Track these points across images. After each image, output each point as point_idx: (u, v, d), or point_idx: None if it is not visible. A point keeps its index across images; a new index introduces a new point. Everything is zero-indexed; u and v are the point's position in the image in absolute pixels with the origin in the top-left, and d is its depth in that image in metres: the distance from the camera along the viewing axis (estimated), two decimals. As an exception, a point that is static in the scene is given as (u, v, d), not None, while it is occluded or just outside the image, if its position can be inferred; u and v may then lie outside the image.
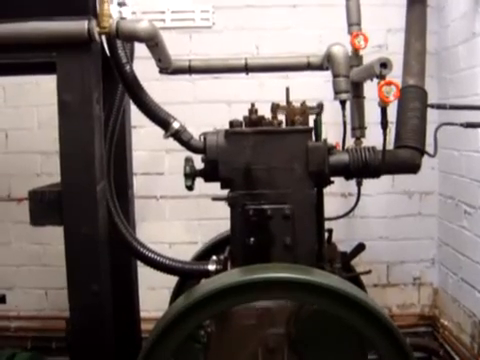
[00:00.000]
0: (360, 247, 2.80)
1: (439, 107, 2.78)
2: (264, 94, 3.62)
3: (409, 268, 4.05)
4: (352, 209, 2.99)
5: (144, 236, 3.70)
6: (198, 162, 2.49)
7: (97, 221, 2.25)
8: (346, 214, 3.04)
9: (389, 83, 2.18)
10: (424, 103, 2.61)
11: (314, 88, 3.50)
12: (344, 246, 2.97)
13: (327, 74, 2.83)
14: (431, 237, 4.01)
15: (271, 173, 2.38)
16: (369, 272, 2.82)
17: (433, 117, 2.94)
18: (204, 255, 3.08)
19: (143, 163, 3.83)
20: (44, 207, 2.26)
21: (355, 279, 2.95)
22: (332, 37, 2.88)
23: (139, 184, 3.72)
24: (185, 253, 3.30)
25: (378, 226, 3.97)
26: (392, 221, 3.99)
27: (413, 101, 2.57)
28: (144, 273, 2.96)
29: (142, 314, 3.19)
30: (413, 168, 2.51)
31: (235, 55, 3.15)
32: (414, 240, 4.01)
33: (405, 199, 3.98)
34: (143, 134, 3.60)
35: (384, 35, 3.85)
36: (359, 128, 2.88)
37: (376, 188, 3.79)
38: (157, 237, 3.83)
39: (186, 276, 2.74)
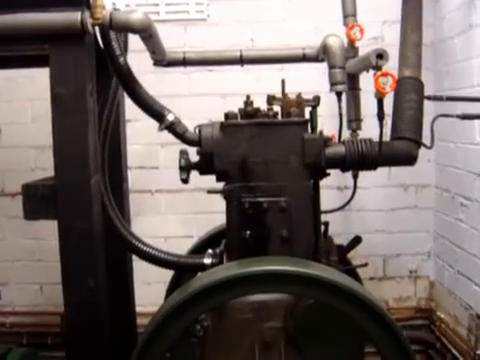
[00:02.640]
0: (356, 240, 2.78)
1: (435, 99, 2.77)
2: (260, 87, 3.59)
3: (405, 261, 4.05)
4: (348, 202, 2.98)
5: (139, 230, 3.68)
6: (193, 155, 2.47)
7: (91, 215, 2.22)
8: (342, 207, 3.03)
9: (385, 74, 2.16)
10: (420, 95, 2.59)
11: (310, 80, 3.48)
12: (340, 239, 2.96)
13: (323, 66, 2.82)
14: (427, 230, 4.00)
15: (267, 165, 2.36)
16: (365, 265, 2.81)
17: (429, 109, 2.92)
18: (200, 248, 3.07)
19: (138, 157, 3.81)
20: (38, 201, 2.23)
21: (352, 272, 2.94)
22: (328, 29, 2.87)
23: (134, 178, 3.70)
24: (181, 247, 3.27)
25: (374, 219, 3.96)
26: (388, 214, 3.98)
27: (409, 93, 2.55)
28: (139, 268, 2.95)
29: (138, 309, 3.17)
30: (410, 160, 2.49)
31: (230, 47, 3.13)
32: (410, 233, 4.00)
33: (401, 192, 3.97)
34: (138, 128, 3.57)
35: (380, 27, 3.83)
36: (355, 120, 2.87)
37: (372, 181, 3.77)
38: (152, 231, 3.81)
39: (181, 270, 2.73)
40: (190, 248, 3.19)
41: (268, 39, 3.76)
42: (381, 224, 3.98)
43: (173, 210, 3.96)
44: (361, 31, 2.78)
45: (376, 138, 2.42)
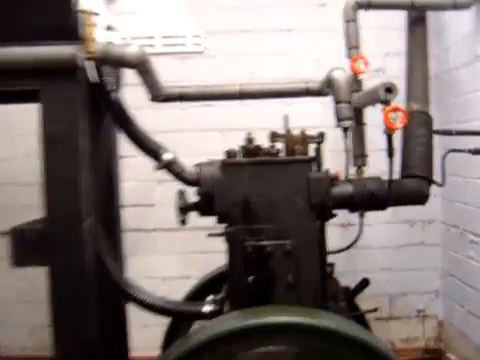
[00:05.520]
0: (364, 283, 2.66)
1: (445, 133, 2.65)
2: (260, 121, 3.49)
3: (412, 300, 3.89)
4: (355, 241, 2.82)
5: (136, 271, 3.55)
6: (192, 194, 2.34)
7: (84, 262, 2.09)
8: (349, 247, 2.87)
9: (395, 109, 2.05)
10: (430, 129, 2.48)
11: (311, 115, 3.38)
12: (345, 279, 2.83)
13: (325, 100, 2.71)
14: (434, 267, 3.85)
15: (271, 206, 2.22)
16: (375, 310, 2.67)
17: (435, 143, 2.81)
18: (200, 292, 2.91)
19: (134, 194, 3.67)
20: (26, 247, 2.10)
21: (351, 303, 2.79)
22: (329, 62, 2.78)
23: (130, 216, 3.54)
24: (179, 288, 3.16)
25: (379, 257, 3.82)
26: (394, 251, 3.84)
27: (419, 127, 2.43)
28: (136, 309, 2.78)
29: (135, 353, 3.00)
30: (421, 199, 2.37)
31: (229, 81, 3.02)
32: (417, 271, 3.85)
33: (407, 228, 3.83)
34: (133, 164, 3.43)
35: (381, 59, 3.74)
36: (361, 156, 2.76)
37: (377, 217, 3.58)
38: (149, 272, 3.67)
39: (180, 318, 2.57)
40: (190, 291, 3.02)
41: (268, 72, 3.66)
42: (386, 262, 3.84)
43: (171, 249, 3.79)
44: (365, 63, 2.68)
45: (381, 174, 2.30)
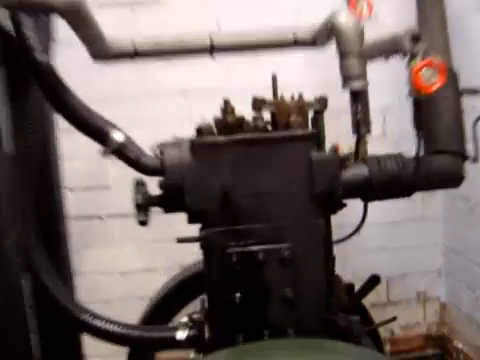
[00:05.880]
0: (373, 280, 2.17)
1: (470, 92, 2.10)
2: (229, 81, 2.92)
3: (412, 281, 3.42)
4: (358, 227, 2.28)
5: (90, 266, 3.08)
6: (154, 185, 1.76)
7: (13, 292, 1.54)
8: (351, 235, 2.33)
9: (430, 64, 1.50)
10: (456, 89, 1.92)
11: (291, 72, 2.78)
12: (338, 266, 2.29)
13: (306, 53, 2.15)
14: (436, 244, 3.38)
15: (260, 200, 1.66)
16: (394, 319, 2.18)
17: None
18: (170, 301, 2.34)
19: (83, 175, 3.04)
20: None
21: (359, 307, 2.30)
22: (310, 9, 2.27)
23: (79, 202, 2.99)
24: (141, 284, 2.88)
25: (374, 235, 3.28)
26: (391, 228, 3.32)
27: (444, 88, 1.87)
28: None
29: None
30: (456, 180, 1.83)
31: (191, 34, 2.41)
32: (417, 249, 3.36)
33: (405, 201, 3.31)
34: (82, 139, 2.81)
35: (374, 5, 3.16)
36: (363, 123, 2.19)
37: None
38: (105, 266, 3.09)
39: (147, 347, 2.02)
40: (157, 299, 2.41)
41: (238, 22, 3.00)
42: (382, 240, 3.32)
43: (130, 238, 3.14)
44: (369, 6, 2.11)
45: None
